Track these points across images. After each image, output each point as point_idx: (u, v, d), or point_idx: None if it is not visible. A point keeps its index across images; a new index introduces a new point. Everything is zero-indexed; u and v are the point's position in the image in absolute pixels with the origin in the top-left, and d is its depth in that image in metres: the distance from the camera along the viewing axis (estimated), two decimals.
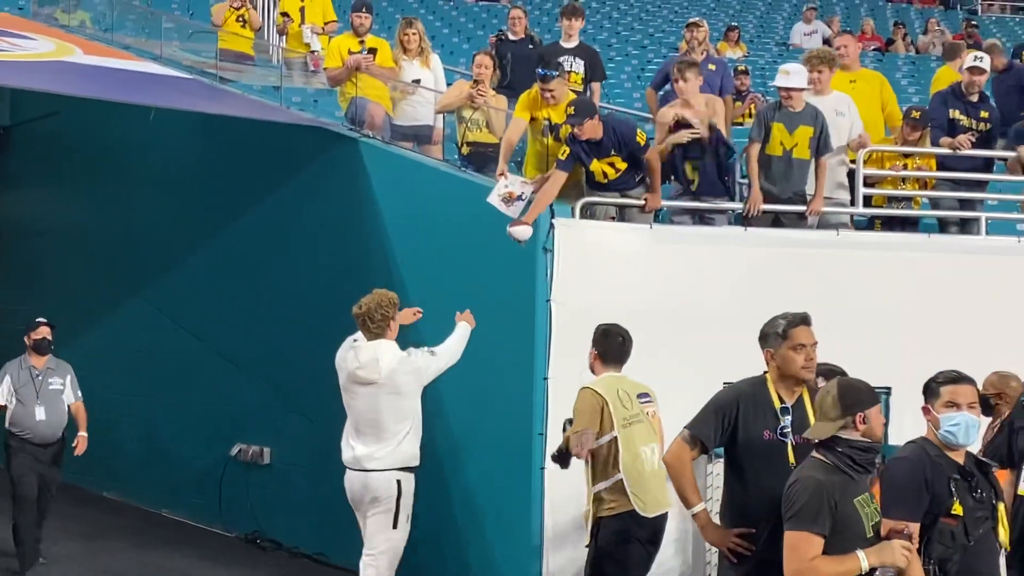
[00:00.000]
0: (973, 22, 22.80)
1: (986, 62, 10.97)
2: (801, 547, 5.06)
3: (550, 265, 9.23)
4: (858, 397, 5.29)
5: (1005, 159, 10.95)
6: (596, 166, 9.35)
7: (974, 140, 10.65)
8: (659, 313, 9.41)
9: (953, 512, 5.28)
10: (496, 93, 10.86)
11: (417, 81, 11.49)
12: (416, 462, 8.12)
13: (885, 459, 5.78)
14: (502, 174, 9.49)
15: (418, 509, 10.31)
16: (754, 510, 5.68)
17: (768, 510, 5.59)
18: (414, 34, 11.55)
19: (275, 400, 11.85)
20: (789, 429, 5.74)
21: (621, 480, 7.40)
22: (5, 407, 10.73)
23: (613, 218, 9.72)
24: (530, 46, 11.99)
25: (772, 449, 5.71)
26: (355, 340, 8.28)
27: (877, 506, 5.30)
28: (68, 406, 10.89)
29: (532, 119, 9.79)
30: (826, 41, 20.55)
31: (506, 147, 9.75)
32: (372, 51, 11.54)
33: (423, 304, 10.25)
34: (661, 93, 11.68)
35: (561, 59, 11.10)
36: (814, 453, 5.32)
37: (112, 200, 13.73)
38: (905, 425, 9.63)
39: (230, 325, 12.29)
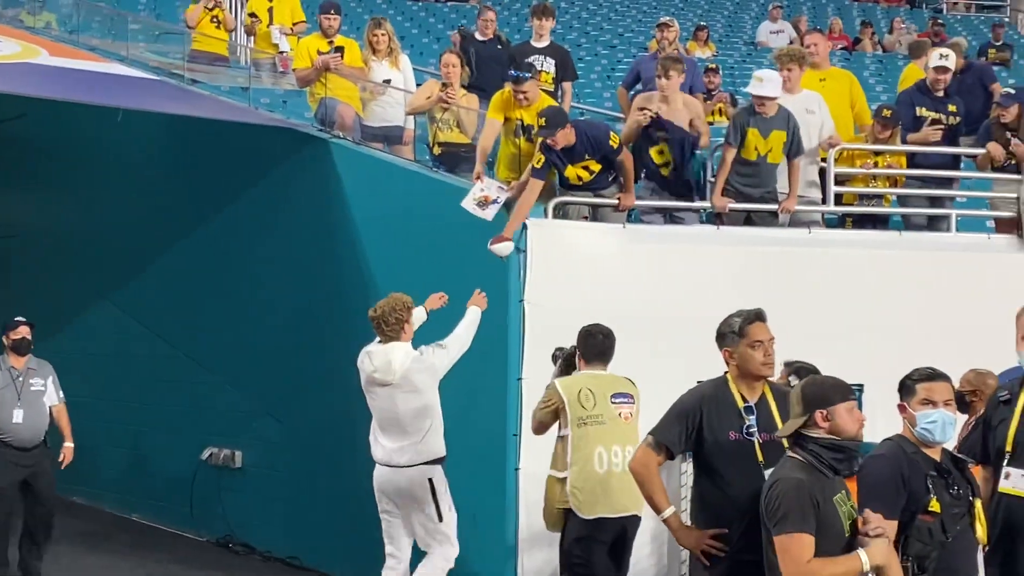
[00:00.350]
0: (939, 21, 22.89)
1: (951, 60, 11.02)
2: (794, 549, 5.02)
3: (523, 265, 9.21)
4: (821, 394, 5.26)
5: (974, 156, 11.00)
6: (571, 171, 9.34)
7: (942, 129, 10.71)
8: (633, 312, 9.38)
9: (930, 509, 5.27)
10: (466, 92, 10.83)
11: (387, 81, 11.44)
12: (442, 452, 8.29)
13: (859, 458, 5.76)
14: (478, 177, 9.46)
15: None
16: (726, 510, 5.64)
17: (740, 510, 5.57)
18: (383, 35, 11.50)
19: (246, 403, 11.79)
20: (755, 428, 5.69)
21: (566, 477, 7.64)
22: None
23: (586, 218, 9.70)
24: (498, 46, 11.96)
25: (740, 449, 5.68)
26: (379, 341, 8.43)
27: (854, 503, 5.29)
28: (50, 408, 10.51)
29: (505, 120, 9.76)
30: (794, 39, 20.61)
31: (481, 151, 9.73)
32: (339, 50, 11.48)
33: None
34: (632, 93, 11.68)
35: (532, 59, 11.07)
36: (790, 452, 5.30)
37: (80, 203, 13.63)
38: (878, 422, 9.63)
39: (200, 328, 12.22)
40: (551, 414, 7.79)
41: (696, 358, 9.49)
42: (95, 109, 11.92)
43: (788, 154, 9.83)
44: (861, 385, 9.69)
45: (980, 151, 10.79)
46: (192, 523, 12.25)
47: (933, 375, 5.46)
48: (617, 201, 9.53)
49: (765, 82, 9.79)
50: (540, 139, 9.12)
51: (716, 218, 9.91)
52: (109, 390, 13.30)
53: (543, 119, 9.08)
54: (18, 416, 10.24)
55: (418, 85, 11.53)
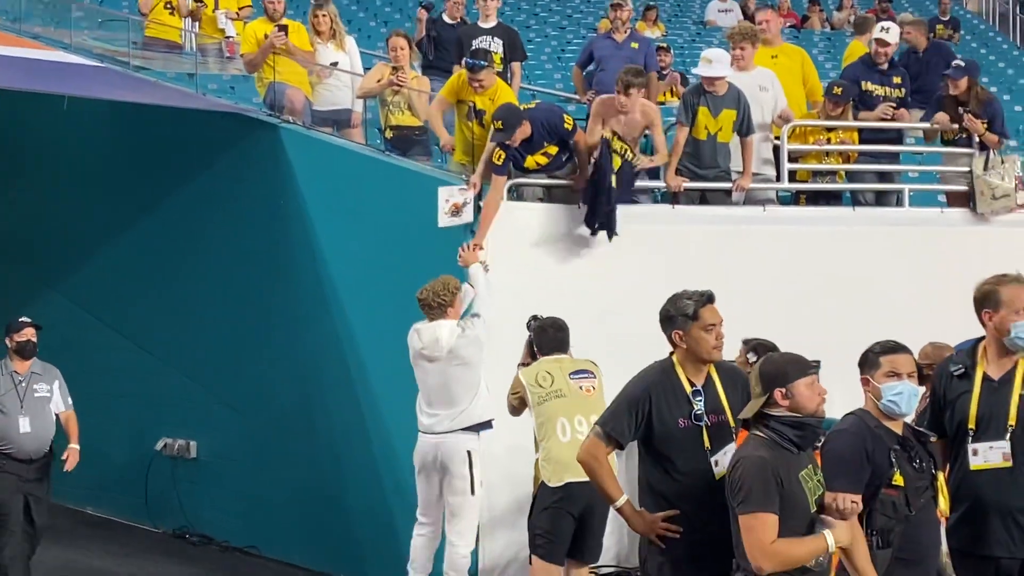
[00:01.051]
0: None
1: (893, 33, 11.03)
2: (758, 529, 5.00)
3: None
4: (779, 371, 5.22)
5: (924, 130, 11.02)
6: (529, 160, 9.33)
7: (895, 106, 10.73)
8: (589, 293, 9.39)
9: (894, 483, 5.25)
10: (419, 74, 10.75)
11: (334, 64, 11.31)
12: (485, 417, 8.46)
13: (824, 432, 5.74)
14: (446, 147, 9.44)
15: (358, 500, 10.28)
16: (674, 496, 5.59)
17: (689, 495, 5.54)
18: (324, 16, 11.37)
19: (200, 393, 11.67)
20: (703, 411, 5.62)
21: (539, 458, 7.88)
22: None
23: (541, 199, 9.67)
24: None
25: (688, 435, 5.60)
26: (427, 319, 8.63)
27: (821, 478, 5.27)
28: (56, 415, 9.77)
29: (459, 102, 9.70)
30: (747, 16, 20.58)
31: (435, 122, 9.65)
32: (283, 28, 11.34)
33: (351, 290, 10.18)
34: (586, 72, 11.63)
35: (480, 39, 11.01)
36: (753, 431, 5.26)
37: (26, 192, 13.42)
38: (835, 397, 9.67)
39: (152, 318, 12.08)
40: (518, 400, 8.04)
41: (653, 337, 9.51)
42: (40, 97, 11.75)
43: (739, 132, 9.83)
44: (818, 361, 9.58)
45: (928, 125, 10.79)
46: (148, 515, 12.12)
47: (896, 347, 5.45)
48: (572, 182, 9.48)
49: (714, 63, 9.77)
50: (494, 121, 9.05)
51: (671, 197, 9.88)
52: None
53: (499, 122, 9.00)
54: (24, 425, 9.43)
55: (367, 69, 11.42)
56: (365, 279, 10.02)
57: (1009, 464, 5.60)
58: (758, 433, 5.22)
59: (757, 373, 5.29)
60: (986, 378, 5.73)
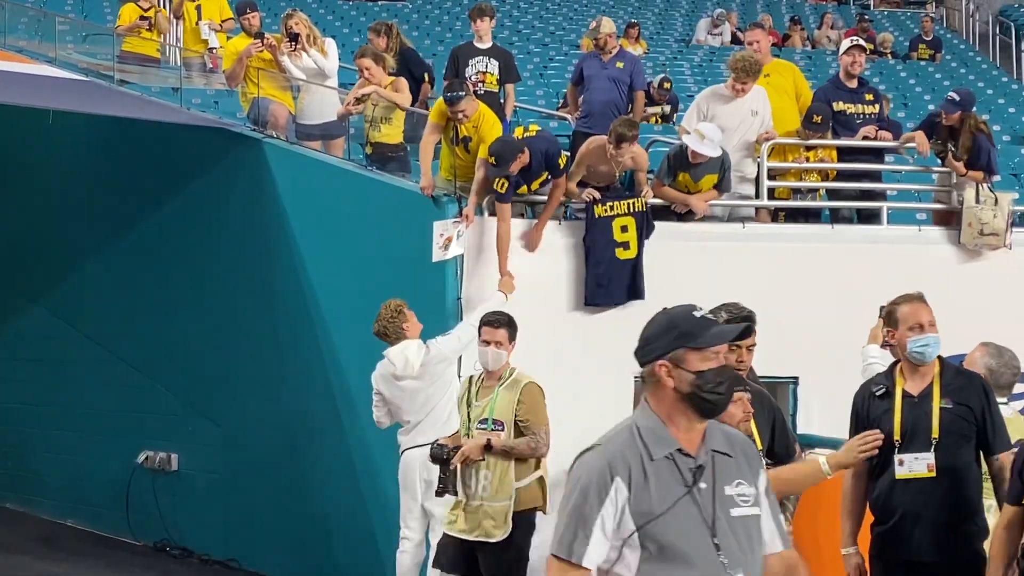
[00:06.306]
0: (866, 16, 23.14)
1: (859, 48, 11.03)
2: None
3: (459, 263, 9.21)
4: None
5: (896, 149, 11.05)
6: (523, 188, 9.42)
7: (877, 127, 10.77)
8: (568, 309, 9.44)
9: None
10: (394, 78, 10.71)
11: (320, 73, 11.27)
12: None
13: None
14: (426, 189, 9.42)
15: (338, 514, 10.30)
16: None
17: None
18: (296, 24, 11.32)
19: (181, 406, 11.69)
20: None
21: (542, 475, 7.56)
22: None
23: (522, 215, 9.72)
24: None
25: None
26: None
27: None
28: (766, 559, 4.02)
29: (447, 121, 9.71)
30: (734, 37, 20.72)
31: (425, 156, 9.61)
32: (260, 35, 11.33)
33: (333, 303, 10.22)
34: (580, 90, 11.70)
35: (475, 59, 11.05)
36: None
37: (10, 206, 13.45)
38: (813, 414, 9.77)
39: (134, 331, 12.09)
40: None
41: (628, 352, 9.58)
42: (25, 111, 11.78)
43: (718, 188, 9.91)
44: (796, 377, 9.82)
45: (909, 144, 10.83)
46: (128, 527, 12.13)
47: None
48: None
49: (706, 141, 9.68)
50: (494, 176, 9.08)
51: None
52: (42, 395, 13.13)
53: (493, 158, 9.01)
54: None
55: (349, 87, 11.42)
56: (348, 294, 10.06)
57: (933, 474, 5.83)
58: None
59: None
60: (906, 395, 5.95)
